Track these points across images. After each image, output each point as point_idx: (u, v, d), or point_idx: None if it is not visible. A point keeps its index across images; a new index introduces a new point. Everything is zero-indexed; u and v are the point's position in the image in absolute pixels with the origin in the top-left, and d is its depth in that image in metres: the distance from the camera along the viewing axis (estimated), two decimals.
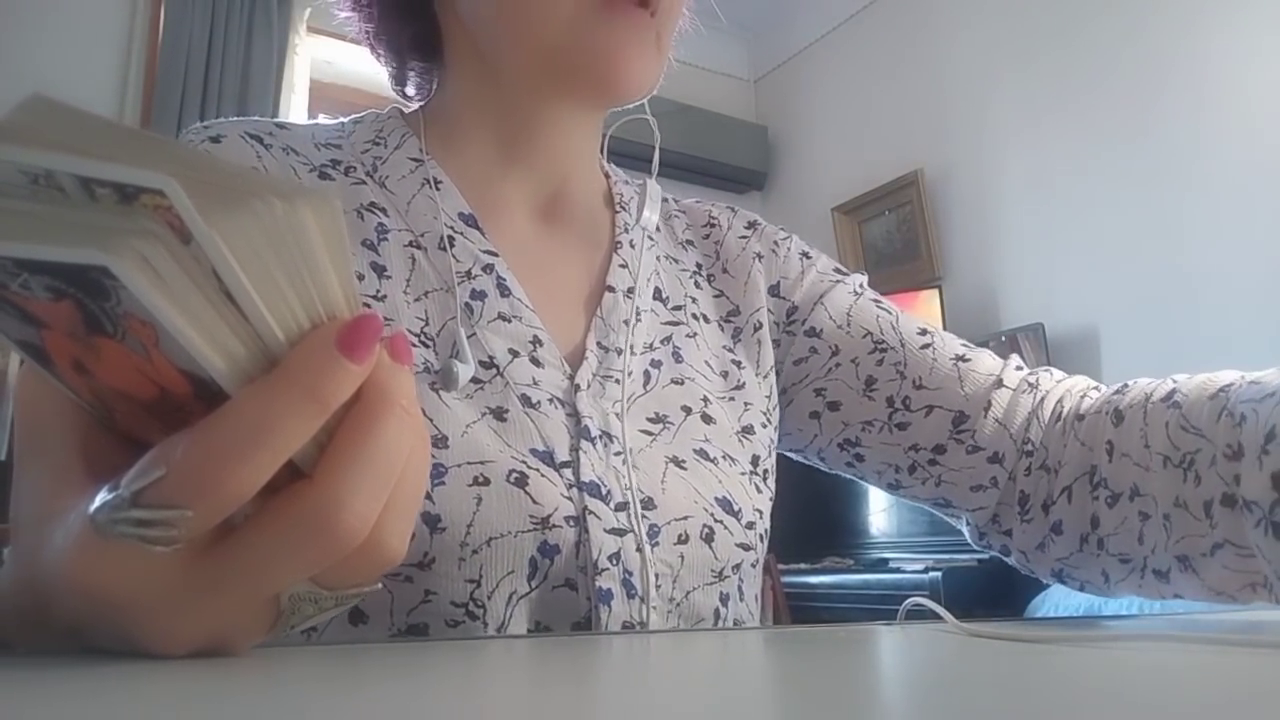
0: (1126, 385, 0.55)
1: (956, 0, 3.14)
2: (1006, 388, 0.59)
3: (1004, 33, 2.98)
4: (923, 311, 2.90)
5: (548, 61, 0.53)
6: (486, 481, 0.45)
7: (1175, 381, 0.52)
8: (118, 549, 0.23)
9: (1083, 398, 0.57)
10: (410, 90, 0.64)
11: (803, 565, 2.88)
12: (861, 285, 0.66)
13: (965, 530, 0.62)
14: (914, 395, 0.59)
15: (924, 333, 0.62)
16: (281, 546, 0.24)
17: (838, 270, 0.67)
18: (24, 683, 0.22)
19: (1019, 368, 0.61)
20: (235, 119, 0.57)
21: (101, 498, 0.23)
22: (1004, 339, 2.76)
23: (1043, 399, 0.58)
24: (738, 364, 0.61)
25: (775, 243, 0.67)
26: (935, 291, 3.06)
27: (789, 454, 0.66)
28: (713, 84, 3.73)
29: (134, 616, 0.24)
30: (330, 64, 3.06)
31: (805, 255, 0.67)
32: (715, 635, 0.44)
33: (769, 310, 0.64)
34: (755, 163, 3.84)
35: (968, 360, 0.60)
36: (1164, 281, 2.46)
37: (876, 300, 0.65)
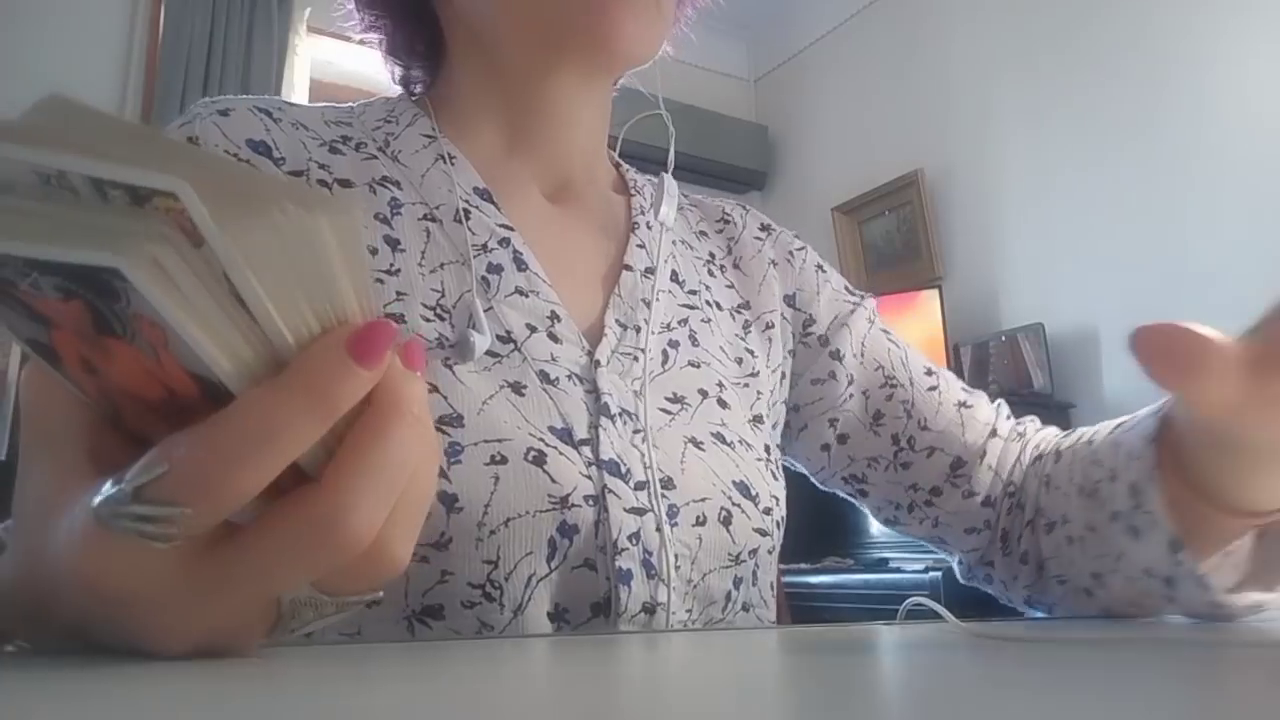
0: (1077, 430, 0.59)
1: (958, 0, 3.14)
2: (999, 437, 0.62)
3: (1005, 33, 2.97)
4: (923, 311, 2.89)
5: (545, 29, 0.53)
6: (504, 460, 0.44)
7: (1108, 423, 0.54)
8: (121, 544, 0.23)
9: (1045, 442, 0.61)
10: (415, 90, 0.64)
11: (803, 565, 2.88)
12: (874, 313, 0.67)
13: (956, 567, 0.65)
14: (918, 435, 0.61)
15: (930, 373, 0.64)
16: (286, 549, 0.24)
17: (848, 289, 0.68)
18: (24, 682, 0.22)
19: (1008, 417, 0.64)
20: (243, 96, 0.56)
21: (105, 491, 0.23)
22: (1004, 339, 2.76)
23: (1025, 446, 0.61)
24: (751, 352, 0.61)
25: (790, 253, 0.68)
26: (935, 291, 3.05)
27: (786, 461, 0.66)
28: (713, 84, 3.73)
29: (136, 612, 0.24)
30: (330, 64, 3.06)
31: (820, 268, 0.68)
32: (715, 635, 0.44)
33: (783, 317, 0.65)
34: (755, 162, 3.84)
35: (970, 406, 0.63)
36: (1164, 281, 2.46)
37: (886, 332, 0.66)
